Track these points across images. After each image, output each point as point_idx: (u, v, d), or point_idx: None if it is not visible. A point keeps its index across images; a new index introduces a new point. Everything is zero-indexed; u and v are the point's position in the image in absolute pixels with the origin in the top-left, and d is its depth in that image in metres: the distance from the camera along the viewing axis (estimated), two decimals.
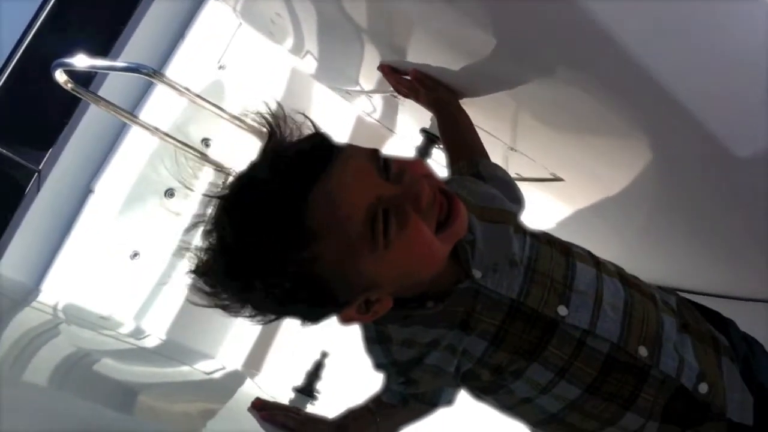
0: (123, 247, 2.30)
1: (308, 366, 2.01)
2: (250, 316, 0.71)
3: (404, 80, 1.23)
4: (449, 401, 0.96)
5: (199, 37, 2.39)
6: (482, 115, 1.18)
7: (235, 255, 0.67)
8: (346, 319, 0.72)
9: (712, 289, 1.32)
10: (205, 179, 2.09)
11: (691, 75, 0.79)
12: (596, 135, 1.06)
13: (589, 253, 0.89)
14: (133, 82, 2.27)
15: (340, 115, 2.33)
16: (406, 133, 1.93)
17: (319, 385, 1.98)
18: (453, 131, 1.16)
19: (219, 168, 2.04)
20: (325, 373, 2.00)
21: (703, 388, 0.81)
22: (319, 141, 0.69)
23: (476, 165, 1.02)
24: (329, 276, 0.67)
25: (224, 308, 0.70)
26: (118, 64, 2.19)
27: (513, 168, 1.36)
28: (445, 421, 1.09)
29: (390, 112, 1.92)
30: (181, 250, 0.74)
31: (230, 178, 0.71)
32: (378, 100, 1.83)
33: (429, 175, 0.72)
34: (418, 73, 1.18)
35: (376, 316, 0.73)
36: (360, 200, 0.66)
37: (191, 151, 2.14)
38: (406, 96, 1.25)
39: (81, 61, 1.84)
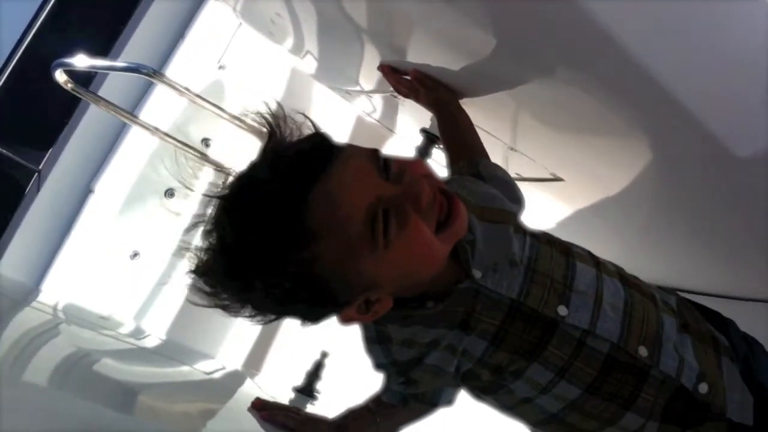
0: (123, 247, 2.30)
1: (308, 366, 2.01)
2: (250, 316, 0.71)
3: (404, 80, 1.23)
4: (449, 401, 0.96)
5: (199, 37, 2.39)
6: (482, 115, 1.18)
7: (235, 255, 0.67)
8: (346, 319, 0.72)
9: (712, 289, 1.32)
10: (205, 179, 2.09)
11: (691, 75, 0.79)
12: (596, 135, 1.06)
13: (589, 253, 0.89)
14: (133, 82, 2.27)
15: (340, 115, 2.33)
16: (406, 133, 1.93)
17: (319, 385, 1.97)
18: (453, 131, 1.16)
19: (219, 168, 2.03)
20: (325, 373, 2.00)
21: (703, 388, 0.81)
22: (319, 141, 0.69)
23: (476, 165, 1.02)
24: (329, 276, 0.67)
25: (224, 308, 0.70)
26: (118, 64, 2.19)
27: (513, 168, 1.36)
28: (445, 421, 1.09)
29: (390, 112, 1.92)
30: (181, 250, 0.74)
31: (230, 178, 0.71)
32: (378, 100, 1.83)
33: (429, 175, 0.72)
34: (418, 73, 1.18)
35: (376, 316, 0.73)
36: (360, 200, 0.66)
37: (191, 151, 2.14)
38: (406, 96, 1.25)
39: (81, 61, 1.84)
